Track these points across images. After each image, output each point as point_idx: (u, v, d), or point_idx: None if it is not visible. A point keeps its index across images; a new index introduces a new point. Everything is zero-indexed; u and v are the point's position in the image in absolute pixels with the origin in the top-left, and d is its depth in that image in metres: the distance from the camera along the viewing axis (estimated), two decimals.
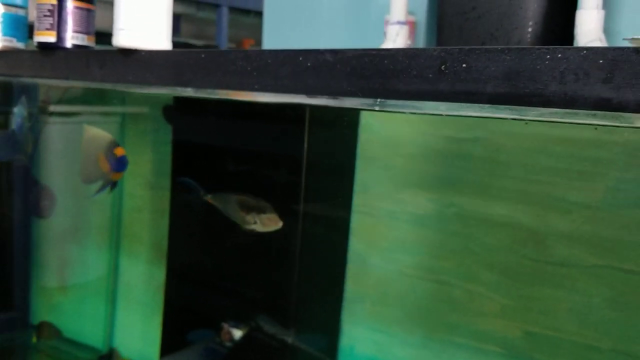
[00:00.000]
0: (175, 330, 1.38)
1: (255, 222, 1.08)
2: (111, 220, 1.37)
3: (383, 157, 1.18)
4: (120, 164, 1.16)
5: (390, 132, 1.18)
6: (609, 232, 0.99)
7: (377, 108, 0.71)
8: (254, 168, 1.22)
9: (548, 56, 0.49)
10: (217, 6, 4.20)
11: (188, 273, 1.36)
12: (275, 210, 1.07)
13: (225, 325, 1.48)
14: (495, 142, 1.08)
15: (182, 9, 4.49)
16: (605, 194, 0.99)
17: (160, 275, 1.33)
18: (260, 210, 1.08)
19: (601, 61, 0.46)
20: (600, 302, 1.00)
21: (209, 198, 1.16)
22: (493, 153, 1.08)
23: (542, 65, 0.49)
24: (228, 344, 1.49)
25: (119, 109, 1.29)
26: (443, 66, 0.56)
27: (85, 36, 1.07)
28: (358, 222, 1.20)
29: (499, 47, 0.52)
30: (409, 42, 1.62)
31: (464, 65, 0.55)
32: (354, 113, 1.20)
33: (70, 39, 1.05)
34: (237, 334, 1.48)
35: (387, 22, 1.63)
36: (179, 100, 1.29)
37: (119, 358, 1.37)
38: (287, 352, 1.32)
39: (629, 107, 0.45)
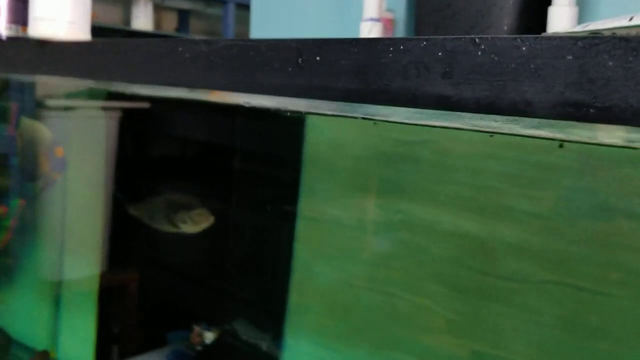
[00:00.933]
0: (110, 333, 1.35)
1: (185, 222, 1.03)
2: (55, 219, 1.35)
3: (329, 159, 1.12)
4: (60, 165, 1.13)
5: (337, 133, 1.11)
6: (560, 245, 0.91)
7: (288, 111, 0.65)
8: (186, 170, 1.17)
9: (391, 48, 0.43)
10: (224, 3, 4.17)
11: (128, 276, 1.32)
12: (210, 214, 1.02)
13: (196, 328, 1.44)
14: (444, 145, 1.00)
15: (191, 5, 4.48)
16: (557, 203, 0.91)
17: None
18: (189, 207, 1.03)
19: (440, 53, 0.39)
20: (551, 321, 0.92)
21: (130, 209, 1.13)
22: (441, 157, 1.01)
23: (386, 59, 0.43)
24: (198, 347, 1.44)
25: (62, 102, 1.26)
26: (300, 59, 0.50)
27: (19, 27, 1.05)
28: (303, 228, 1.14)
29: (349, 38, 0.46)
30: None
31: (317, 58, 0.49)
32: (298, 112, 1.14)
33: (4, 30, 1.03)
34: (209, 337, 1.44)
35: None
36: (112, 95, 1.25)
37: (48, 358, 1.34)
38: (260, 359, 1.27)
39: (469, 106, 0.38)
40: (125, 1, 4.19)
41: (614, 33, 0.50)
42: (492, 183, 0.97)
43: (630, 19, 0.48)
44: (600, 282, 0.87)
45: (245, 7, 4.22)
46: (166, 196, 1.13)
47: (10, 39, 1.02)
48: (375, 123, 1.02)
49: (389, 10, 1.88)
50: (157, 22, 4.45)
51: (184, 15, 4.53)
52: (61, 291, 1.34)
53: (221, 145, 1.13)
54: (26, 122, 1.15)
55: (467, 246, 0.99)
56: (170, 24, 4.60)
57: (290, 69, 0.51)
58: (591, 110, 0.32)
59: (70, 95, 1.32)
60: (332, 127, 1.12)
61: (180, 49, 0.63)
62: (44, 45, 0.85)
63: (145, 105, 1.25)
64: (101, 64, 0.75)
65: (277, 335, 1.24)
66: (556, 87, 0.33)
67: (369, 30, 1.64)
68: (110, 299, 1.33)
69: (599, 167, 0.87)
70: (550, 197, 0.92)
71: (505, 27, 1.45)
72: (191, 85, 0.63)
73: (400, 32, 1.88)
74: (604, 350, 0.86)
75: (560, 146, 0.72)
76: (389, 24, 1.85)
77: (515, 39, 0.35)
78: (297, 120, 1.13)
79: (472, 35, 0.36)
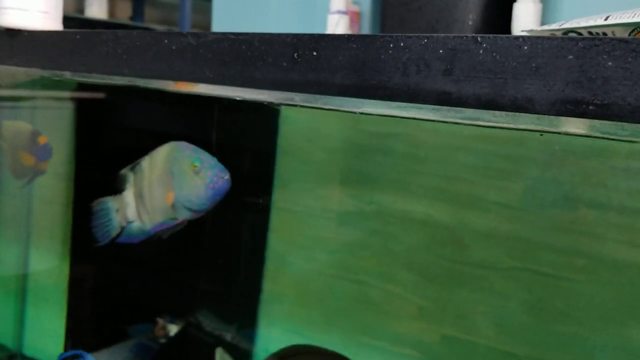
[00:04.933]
0: (80, 328, 1.32)
1: None
2: (21, 212, 1.31)
3: (303, 150, 1.13)
4: (44, 153, 1.11)
5: (311, 125, 1.12)
6: (527, 233, 0.95)
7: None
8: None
9: (391, 45, 0.44)
10: None
11: (96, 269, 1.30)
12: None
13: (160, 320, 1.42)
14: (416, 137, 1.03)
15: None
16: (524, 194, 0.95)
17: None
18: None
19: (441, 51, 0.41)
20: (517, 306, 0.96)
21: None
22: (413, 149, 1.03)
23: (386, 55, 0.44)
24: (162, 340, 1.43)
25: (27, 93, 1.22)
26: (296, 54, 0.51)
27: None
28: (277, 218, 1.15)
29: (347, 34, 0.46)
30: (351, 32, 1.56)
31: (314, 53, 0.49)
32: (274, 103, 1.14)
33: None
34: (173, 329, 1.43)
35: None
36: (83, 85, 1.22)
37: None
38: (225, 349, 1.27)
39: (469, 102, 0.40)
40: None
41: (589, 32, 0.52)
42: (462, 174, 1.00)
43: (606, 19, 0.50)
44: (565, 268, 0.92)
45: None
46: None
47: None
48: (353, 115, 1.03)
49: (355, 3, 1.90)
50: (111, 11, 4.33)
51: (138, 4, 4.43)
52: (27, 285, 1.31)
53: (194, 137, 1.12)
54: (4, 122, 1.13)
55: (438, 235, 1.02)
56: (124, 12, 4.48)
57: (285, 64, 0.51)
58: (590, 107, 0.34)
59: (21, 85, 1.29)
60: (307, 120, 1.13)
61: (165, 41, 0.63)
62: (15, 36, 0.83)
63: (106, 96, 1.23)
64: (78, 56, 0.73)
65: (242, 326, 1.24)
66: (557, 85, 0.35)
67: (336, 22, 1.65)
68: (75, 293, 1.31)
69: (565, 159, 0.91)
70: (518, 187, 0.95)
71: (470, 22, 1.48)
72: (177, 79, 0.63)
73: (366, 25, 1.90)
74: (569, 333, 0.91)
75: (541, 135, 0.75)
76: (355, 16, 1.86)
77: (517, 38, 0.36)
78: (271, 113, 1.13)
79: (473, 34, 0.38)
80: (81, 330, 1.33)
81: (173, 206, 0.72)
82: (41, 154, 1.13)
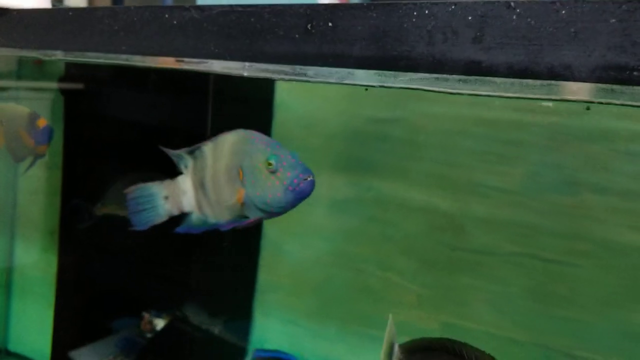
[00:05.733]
0: (69, 322, 1.29)
1: None
2: (6, 202, 1.27)
3: (300, 137, 1.11)
4: (43, 136, 1.07)
5: (307, 111, 1.10)
6: (527, 218, 0.94)
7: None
8: (152, 145, 1.12)
9: (415, 13, 0.42)
10: None
11: (84, 262, 1.26)
12: None
13: (146, 315, 1.39)
14: (415, 123, 1.01)
15: None
16: (524, 179, 0.94)
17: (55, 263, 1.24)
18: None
19: (470, 18, 0.39)
20: (519, 292, 0.95)
21: (99, 209, 1.08)
22: (412, 134, 1.02)
23: (409, 24, 0.42)
24: (148, 334, 1.40)
25: (12, 83, 1.18)
26: (309, 25, 0.48)
27: None
28: None
29: (366, 2, 0.44)
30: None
31: (330, 24, 0.47)
32: (268, 89, 1.12)
33: None
34: (159, 323, 1.40)
35: None
36: (70, 70, 1.18)
37: None
38: (212, 344, 1.24)
39: (500, 70, 0.38)
40: None
41: None
42: (462, 160, 0.99)
43: None
44: (567, 253, 0.91)
45: None
46: (125, 180, 1.08)
47: None
48: (351, 100, 1.01)
49: None
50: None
51: None
52: (12, 278, 1.27)
53: (188, 127, 1.09)
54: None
55: (437, 221, 1.00)
56: (104, 0, 4.39)
57: (297, 36, 0.49)
58: (634, 73, 0.33)
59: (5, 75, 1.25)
60: (303, 106, 1.10)
61: (166, 15, 0.60)
62: (3, 15, 0.79)
63: (89, 84, 1.19)
64: (72, 35, 0.70)
65: (235, 317, 1.22)
66: (597, 50, 0.34)
67: None
68: (63, 286, 1.27)
69: (566, 143, 0.91)
70: (519, 172, 0.94)
71: None
72: (179, 55, 0.60)
73: None
74: (571, 318, 0.90)
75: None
76: None
77: (553, 2, 0.35)
78: (266, 100, 1.11)
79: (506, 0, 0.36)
80: (69, 324, 1.30)
81: (244, 205, 0.63)
82: (40, 137, 1.09)
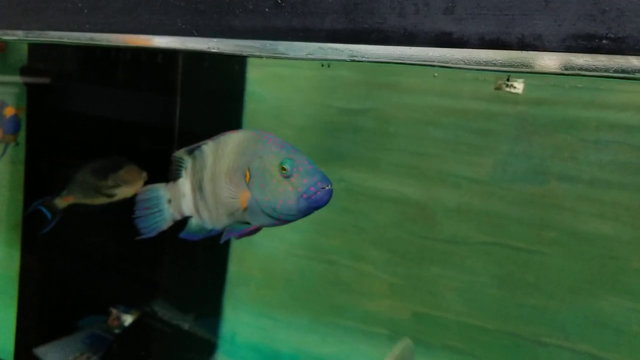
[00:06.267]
0: (34, 318, 1.25)
1: (118, 185, 0.96)
2: None
3: (271, 128, 1.10)
4: (10, 125, 1.03)
5: (278, 102, 1.09)
6: (497, 207, 0.95)
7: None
8: (120, 136, 1.10)
9: None
10: None
11: (49, 257, 1.23)
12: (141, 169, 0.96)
13: (114, 311, 1.36)
14: (386, 113, 1.01)
15: None
16: (494, 168, 0.95)
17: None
18: (116, 167, 0.96)
19: None
20: (488, 280, 0.96)
21: (63, 198, 1.04)
22: (383, 125, 1.01)
23: None
24: (116, 330, 1.37)
25: None
26: None
27: None
28: None
29: None
30: None
31: None
32: (239, 80, 1.10)
33: None
34: (127, 319, 1.37)
35: None
36: (33, 60, 1.15)
37: None
38: (181, 339, 1.22)
39: (471, 41, 0.38)
40: None
41: None
42: (432, 150, 0.99)
43: None
44: (535, 241, 0.92)
45: None
46: (90, 165, 1.05)
47: None
48: (322, 91, 1.00)
49: None
50: None
51: None
52: None
53: (158, 127, 1.07)
54: None
55: (408, 212, 1.00)
56: None
57: (267, 10, 0.48)
58: (604, 42, 0.33)
59: None
60: (274, 97, 1.09)
61: None
62: None
63: (52, 74, 1.16)
64: (33, 12, 0.68)
65: (205, 311, 1.20)
66: (568, 19, 0.34)
67: None
68: (26, 282, 1.23)
69: (535, 132, 0.91)
70: (488, 162, 0.95)
71: None
72: (145, 32, 0.58)
73: None
74: (540, 306, 0.91)
75: (508, 79, 0.72)
76: None
77: None
78: (236, 90, 1.09)
79: None
80: (34, 320, 1.26)
81: (247, 210, 0.58)
82: (7, 126, 1.06)
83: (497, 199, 0.95)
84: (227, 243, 1.11)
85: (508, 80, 0.80)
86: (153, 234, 0.65)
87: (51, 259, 1.25)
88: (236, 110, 1.09)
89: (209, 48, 0.55)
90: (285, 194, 0.55)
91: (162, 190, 0.65)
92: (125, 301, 1.31)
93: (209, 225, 0.64)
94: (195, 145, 0.64)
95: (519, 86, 0.82)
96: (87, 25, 0.63)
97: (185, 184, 0.65)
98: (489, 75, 0.81)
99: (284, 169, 0.55)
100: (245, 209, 0.58)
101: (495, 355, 0.95)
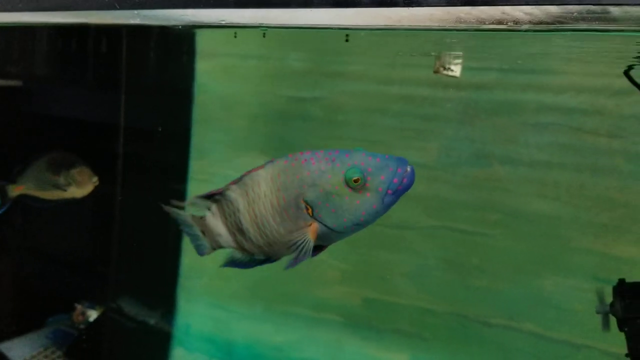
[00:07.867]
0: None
1: (69, 183, 0.96)
2: None
3: (222, 119, 1.10)
4: None
5: (228, 92, 1.09)
6: (443, 191, 0.97)
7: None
8: (65, 131, 1.09)
9: None
10: None
11: (11, 255, 1.21)
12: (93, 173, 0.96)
13: (78, 306, 1.35)
14: (335, 101, 1.02)
15: None
16: (440, 153, 0.97)
17: None
18: (69, 165, 0.96)
19: None
20: (436, 263, 0.97)
21: (15, 188, 1.03)
22: (332, 113, 1.02)
23: None
24: (81, 325, 1.37)
25: None
26: None
27: None
28: (195, 190, 1.11)
29: None
30: None
31: None
32: (187, 72, 1.10)
33: None
34: (92, 315, 1.36)
35: None
36: None
37: None
38: (134, 332, 1.21)
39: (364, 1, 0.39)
40: None
41: None
42: (380, 137, 1.00)
43: None
44: (480, 224, 0.93)
45: None
46: (49, 156, 1.04)
47: None
48: (272, 80, 1.01)
49: None
50: None
51: None
52: None
53: (101, 121, 1.06)
54: None
55: None
56: None
57: None
58: None
59: None
60: (224, 88, 1.09)
61: None
62: None
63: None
64: None
65: (159, 303, 1.20)
66: None
67: None
68: None
69: (477, 117, 0.93)
70: (434, 147, 0.96)
71: None
72: (69, 8, 0.59)
73: None
74: (485, 287, 0.93)
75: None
76: None
77: None
78: (185, 83, 1.09)
79: None
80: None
81: (318, 238, 0.55)
82: None
83: (443, 183, 0.96)
84: (179, 236, 1.11)
85: (445, 63, 0.82)
86: (201, 255, 0.64)
87: (14, 258, 1.24)
88: (186, 102, 1.09)
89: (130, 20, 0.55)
90: (365, 203, 0.52)
91: (188, 219, 0.62)
92: (80, 296, 1.30)
93: (261, 257, 0.62)
94: (212, 191, 0.59)
95: (456, 69, 0.84)
96: (20, 5, 0.63)
97: (217, 225, 0.60)
98: (428, 59, 0.82)
99: (355, 180, 0.51)
100: (315, 235, 0.55)
101: (443, 337, 0.96)
